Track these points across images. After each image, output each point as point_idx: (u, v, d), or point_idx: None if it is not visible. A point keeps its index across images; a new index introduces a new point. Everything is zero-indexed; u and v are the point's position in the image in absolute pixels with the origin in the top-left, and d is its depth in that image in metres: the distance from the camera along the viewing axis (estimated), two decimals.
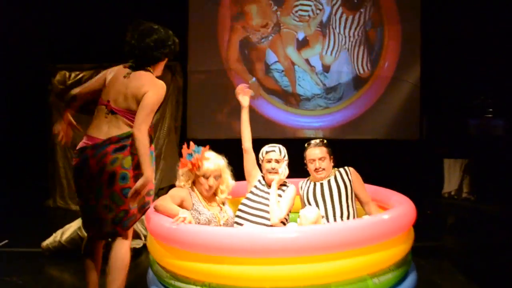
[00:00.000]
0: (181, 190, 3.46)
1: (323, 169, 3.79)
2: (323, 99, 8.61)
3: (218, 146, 3.66)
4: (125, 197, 2.92)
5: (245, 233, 3.03)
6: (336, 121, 8.64)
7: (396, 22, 8.56)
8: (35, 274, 4.19)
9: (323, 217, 3.61)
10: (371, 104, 8.60)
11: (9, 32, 7.75)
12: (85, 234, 3.28)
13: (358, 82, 8.61)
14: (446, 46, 8.32)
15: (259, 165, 3.97)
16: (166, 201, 3.24)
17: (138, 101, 2.92)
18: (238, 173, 3.81)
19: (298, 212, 4.03)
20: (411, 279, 3.24)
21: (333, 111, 8.63)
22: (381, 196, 3.86)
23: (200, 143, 3.57)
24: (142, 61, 3.05)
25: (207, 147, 3.53)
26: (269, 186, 3.81)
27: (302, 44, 8.62)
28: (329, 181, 3.78)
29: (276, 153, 3.84)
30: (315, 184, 3.83)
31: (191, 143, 3.46)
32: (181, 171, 3.50)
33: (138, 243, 4.72)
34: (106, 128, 2.98)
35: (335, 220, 3.64)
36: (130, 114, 2.96)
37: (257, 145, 3.94)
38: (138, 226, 4.78)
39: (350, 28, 8.54)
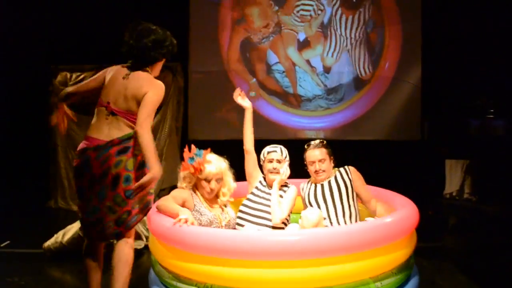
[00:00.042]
0: (183, 191, 3.47)
1: (323, 170, 3.77)
2: (324, 100, 8.60)
3: (219, 147, 3.66)
4: (128, 199, 2.95)
5: (247, 235, 3.03)
6: (337, 122, 8.63)
7: (396, 23, 8.55)
8: (36, 275, 4.19)
9: (325, 218, 3.61)
10: (372, 105, 8.59)
11: (10, 33, 7.76)
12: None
13: (359, 82, 8.60)
14: (447, 47, 8.31)
15: (260, 166, 3.97)
16: (168, 201, 3.25)
17: (138, 102, 2.93)
18: (239, 174, 3.81)
19: (299, 213, 4.05)
20: (414, 282, 3.24)
21: (334, 111, 8.62)
22: (383, 198, 3.85)
23: (201, 143, 3.57)
24: (140, 61, 3.07)
25: (209, 150, 3.53)
26: (270, 186, 3.81)
27: (303, 45, 8.62)
28: (329, 182, 3.77)
29: (277, 153, 3.85)
30: (315, 186, 3.83)
31: (193, 146, 3.46)
32: (182, 173, 3.51)
33: (139, 244, 4.72)
34: (106, 130, 2.99)
35: (337, 220, 3.63)
36: (131, 115, 2.98)
37: (258, 146, 3.94)
38: (139, 227, 4.78)
39: (351, 29, 8.53)
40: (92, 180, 2.95)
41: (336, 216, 3.64)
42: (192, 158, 3.41)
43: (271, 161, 3.82)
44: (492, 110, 8.57)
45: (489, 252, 4.95)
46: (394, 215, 3.18)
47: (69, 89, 3.23)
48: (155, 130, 7.22)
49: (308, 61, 8.61)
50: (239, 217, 3.71)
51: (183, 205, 3.34)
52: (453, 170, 8.10)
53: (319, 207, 3.68)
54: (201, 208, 3.42)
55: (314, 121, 8.63)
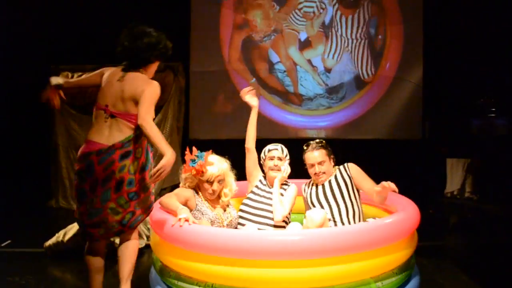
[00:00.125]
0: (186, 190, 3.51)
1: (323, 172, 3.74)
2: (326, 99, 8.60)
3: (220, 147, 3.66)
4: (131, 201, 3.01)
5: (249, 234, 3.04)
6: (338, 121, 8.63)
7: (398, 22, 8.56)
8: (37, 274, 4.19)
9: (329, 219, 3.59)
10: (373, 104, 8.59)
11: (12, 33, 7.76)
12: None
13: (360, 82, 8.61)
14: (448, 46, 8.31)
15: (260, 165, 3.98)
16: (171, 198, 3.28)
17: (136, 102, 2.98)
18: (240, 173, 3.82)
19: (300, 213, 4.05)
20: (414, 282, 3.24)
21: (335, 110, 8.62)
22: None
23: (202, 143, 3.58)
24: (134, 62, 3.12)
25: (210, 151, 3.53)
26: (270, 185, 3.83)
27: (305, 45, 8.62)
28: (330, 182, 3.75)
29: (278, 151, 3.88)
30: (317, 186, 3.80)
31: (194, 148, 3.47)
32: (184, 175, 3.52)
33: (140, 243, 4.72)
34: (107, 132, 3.02)
35: (341, 220, 3.61)
36: (130, 116, 3.01)
37: (259, 145, 3.95)
38: (140, 226, 4.78)
39: (351, 30, 8.53)
40: (94, 183, 2.98)
41: (340, 216, 3.63)
42: (193, 161, 3.42)
43: (272, 158, 3.84)
44: (493, 109, 8.58)
45: (490, 251, 4.94)
46: (395, 216, 3.18)
47: (60, 80, 3.26)
48: None
49: (309, 61, 8.61)
50: (240, 217, 3.72)
51: (185, 204, 3.37)
52: (454, 169, 8.10)
53: (322, 208, 3.66)
54: (203, 208, 3.44)
55: (315, 120, 8.63)
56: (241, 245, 2.75)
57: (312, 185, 3.86)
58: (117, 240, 3.43)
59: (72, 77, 3.32)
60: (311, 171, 3.79)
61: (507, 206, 7.08)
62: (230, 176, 3.63)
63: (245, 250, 2.74)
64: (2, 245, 5.11)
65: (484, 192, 7.84)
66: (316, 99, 8.60)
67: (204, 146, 3.53)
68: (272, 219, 3.64)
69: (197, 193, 3.52)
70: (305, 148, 3.84)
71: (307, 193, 3.86)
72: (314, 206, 3.72)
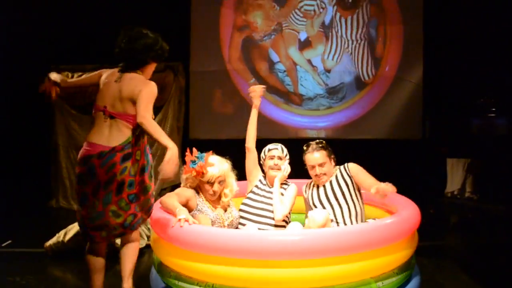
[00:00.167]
0: (187, 190, 3.51)
1: (324, 174, 3.71)
2: (326, 99, 8.60)
3: (220, 146, 3.66)
4: (131, 203, 3.06)
5: (249, 234, 3.04)
6: (338, 121, 8.63)
7: (398, 22, 8.55)
8: (38, 274, 4.19)
9: (332, 220, 3.58)
10: (373, 104, 8.58)
11: (12, 33, 7.76)
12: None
13: (360, 82, 8.60)
14: (448, 46, 8.30)
15: (260, 165, 3.98)
16: (171, 198, 3.28)
17: (134, 102, 3.01)
18: (240, 173, 3.82)
19: (300, 213, 4.05)
20: (415, 282, 3.24)
21: (335, 110, 8.62)
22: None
23: (203, 143, 3.58)
24: (130, 64, 3.16)
25: (210, 152, 3.53)
26: (270, 185, 3.83)
27: (304, 45, 8.62)
28: (331, 182, 3.72)
29: (278, 150, 3.88)
30: (318, 188, 3.78)
31: (194, 149, 3.47)
32: (184, 176, 3.52)
33: (141, 243, 4.72)
34: (107, 133, 3.05)
35: (344, 221, 3.60)
36: (128, 117, 3.04)
37: (259, 144, 3.95)
38: (141, 227, 4.78)
39: (351, 31, 8.52)
40: (97, 186, 3.01)
41: (343, 216, 3.61)
42: (194, 162, 3.42)
43: (272, 158, 3.84)
44: (493, 109, 8.58)
45: (491, 250, 4.94)
46: (395, 216, 3.19)
47: (58, 79, 3.27)
48: None
49: (309, 61, 8.61)
50: (240, 216, 3.71)
51: (186, 204, 3.38)
52: (454, 169, 8.10)
53: (324, 208, 3.65)
54: (204, 208, 3.44)
55: (315, 120, 8.63)
56: (242, 245, 2.75)
57: (313, 186, 3.84)
58: (118, 241, 3.44)
59: (72, 77, 3.35)
60: (311, 172, 3.76)
61: (508, 206, 7.08)
62: (231, 177, 3.63)
63: (246, 250, 2.74)
64: (3, 245, 5.11)
65: (484, 192, 7.84)
66: (316, 99, 8.60)
67: (204, 145, 3.53)
68: (273, 218, 3.64)
69: (198, 193, 3.52)
70: (305, 148, 3.80)
71: (308, 194, 3.84)
72: (316, 207, 3.70)
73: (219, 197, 3.57)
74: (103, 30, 7.62)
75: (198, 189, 3.54)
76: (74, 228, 4.66)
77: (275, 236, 2.91)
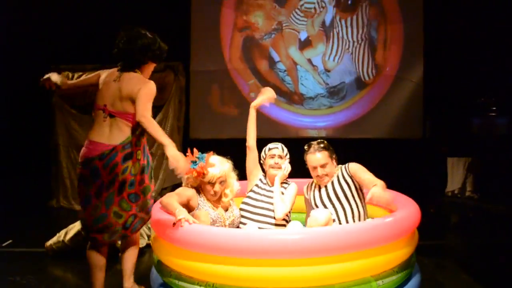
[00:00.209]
0: (188, 189, 3.51)
1: (326, 174, 3.67)
2: (327, 98, 8.60)
3: (220, 146, 3.66)
4: (131, 203, 3.10)
5: (249, 234, 3.05)
6: (339, 121, 8.62)
7: (398, 22, 8.55)
8: (38, 274, 4.20)
9: (334, 220, 3.56)
10: (374, 103, 8.58)
11: (12, 33, 7.76)
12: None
13: (361, 81, 8.60)
14: (449, 45, 8.30)
15: (261, 165, 3.98)
16: (171, 198, 3.26)
17: (133, 101, 3.04)
18: (240, 173, 3.81)
19: (300, 212, 4.05)
20: (415, 280, 3.24)
21: (336, 110, 8.62)
22: None
23: (203, 143, 3.58)
24: (128, 63, 3.20)
25: (211, 153, 3.53)
26: (270, 184, 3.83)
27: (305, 44, 8.61)
28: (332, 183, 3.69)
29: (279, 149, 3.89)
30: (320, 189, 3.75)
31: (195, 150, 3.46)
32: (185, 176, 3.52)
33: (141, 243, 4.72)
34: (107, 131, 3.09)
35: (346, 220, 3.58)
36: (128, 115, 3.08)
37: (260, 144, 3.95)
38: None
39: (352, 31, 8.51)
40: (100, 187, 3.04)
41: (346, 217, 3.60)
42: (195, 162, 3.41)
43: (272, 156, 3.85)
44: (493, 108, 8.57)
45: (491, 250, 4.94)
46: (395, 214, 3.18)
47: (58, 81, 3.28)
48: None
49: (309, 60, 8.61)
50: (241, 216, 3.71)
51: (187, 203, 3.38)
52: (455, 168, 8.10)
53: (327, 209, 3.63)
54: (205, 207, 3.44)
55: (316, 120, 8.62)
56: (242, 244, 2.75)
57: (315, 187, 3.82)
58: (119, 240, 3.44)
59: (73, 77, 3.39)
60: (313, 173, 3.72)
61: (508, 205, 7.08)
62: (232, 177, 3.62)
63: (246, 249, 2.74)
64: (3, 245, 5.11)
65: (484, 191, 7.84)
66: (317, 98, 8.59)
67: (204, 145, 3.53)
68: (273, 217, 3.64)
69: (199, 192, 3.52)
70: (306, 149, 3.75)
71: (310, 195, 3.82)
72: (318, 208, 3.69)
73: (220, 197, 3.57)
74: (103, 30, 7.61)
75: (199, 188, 3.53)
76: (74, 227, 4.66)
77: (275, 235, 2.91)
